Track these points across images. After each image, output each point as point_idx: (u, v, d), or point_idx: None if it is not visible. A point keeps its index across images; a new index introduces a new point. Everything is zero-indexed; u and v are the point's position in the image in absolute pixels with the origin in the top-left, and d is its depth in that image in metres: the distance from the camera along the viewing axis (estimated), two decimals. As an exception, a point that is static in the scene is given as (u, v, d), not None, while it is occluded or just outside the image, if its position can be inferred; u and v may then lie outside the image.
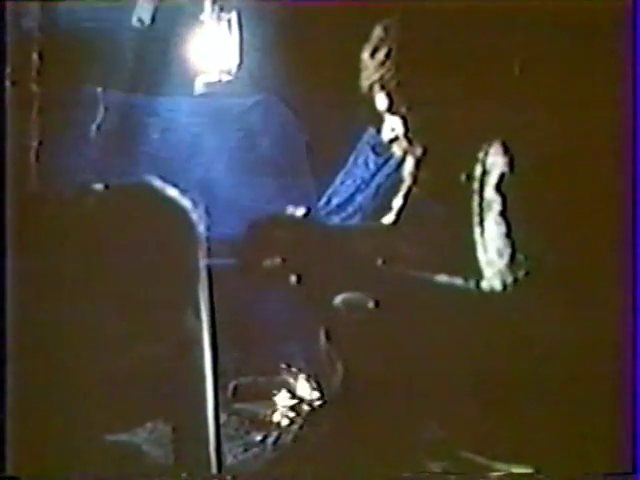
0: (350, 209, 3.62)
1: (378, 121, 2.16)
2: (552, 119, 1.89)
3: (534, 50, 1.97)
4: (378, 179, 3.56)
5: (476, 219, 1.93)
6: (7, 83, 2.17)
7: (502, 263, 1.87)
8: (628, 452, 1.85)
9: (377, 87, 2.06)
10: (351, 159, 3.65)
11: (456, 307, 1.92)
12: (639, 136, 1.90)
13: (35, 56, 2.66)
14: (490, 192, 1.89)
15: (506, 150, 1.89)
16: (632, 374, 1.85)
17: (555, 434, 1.85)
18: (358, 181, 3.64)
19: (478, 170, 1.93)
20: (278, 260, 1.96)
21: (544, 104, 1.91)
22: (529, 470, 1.90)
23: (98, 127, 3.12)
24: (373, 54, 2.05)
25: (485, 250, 1.90)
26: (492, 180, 1.90)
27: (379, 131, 2.18)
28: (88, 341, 2.16)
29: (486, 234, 1.90)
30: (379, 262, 2.00)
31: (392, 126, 2.08)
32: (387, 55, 2.02)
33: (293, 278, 2.00)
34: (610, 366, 1.83)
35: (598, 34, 1.94)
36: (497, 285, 1.89)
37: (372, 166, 3.62)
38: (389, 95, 2.05)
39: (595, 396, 1.82)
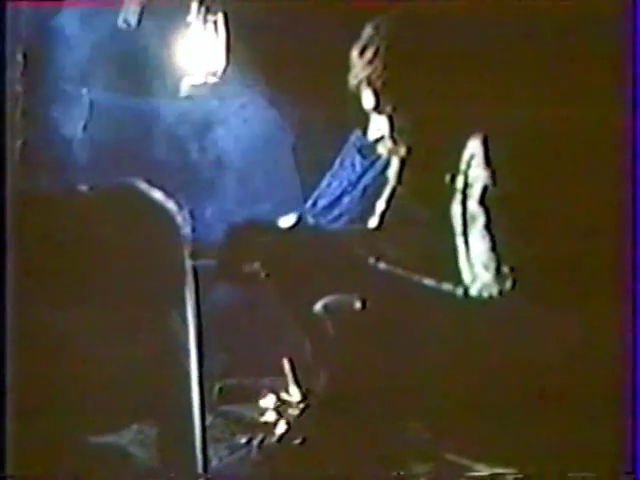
0: (336, 211, 3.63)
1: (364, 123, 2.16)
2: (540, 121, 1.89)
3: (523, 51, 1.97)
4: (364, 181, 3.56)
5: (459, 231, 1.93)
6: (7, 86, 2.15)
7: (488, 276, 1.87)
8: (628, 452, 1.85)
9: (364, 86, 2.06)
10: (337, 161, 3.66)
11: (443, 311, 1.92)
12: (638, 143, 1.90)
13: (20, 56, 2.65)
14: (473, 205, 1.90)
15: (488, 163, 1.89)
16: (631, 375, 1.86)
17: (553, 436, 1.85)
18: (345, 183, 3.65)
19: (460, 182, 1.93)
20: (257, 264, 1.96)
21: (533, 107, 1.91)
22: (527, 472, 1.90)
23: (83, 128, 3.12)
24: (362, 52, 2.05)
25: (470, 263, 1.91)
26: (475, 193, 1.90)
27: (365, 133, 2.18)
28: (73, 343, 2.15)
29: (471, 248, 1.91)
30: (364, 265, 1.99)
31: (378, 126, 2.09)
32: (375, 54, 2.03)
33: (277, 281, 1.99)
34: (607, 366, 1.83)
35: (595, 33, 1.94)
36: (483, 296, 1.89)
37: (358, 168, 3.63)
38: (376, 94, 2.05)
39: (593, 396, 1.82)
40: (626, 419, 1.84)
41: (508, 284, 1.84)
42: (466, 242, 1.92)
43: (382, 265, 1.96)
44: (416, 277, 1.93)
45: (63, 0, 2.90)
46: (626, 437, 1.84)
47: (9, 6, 2.26)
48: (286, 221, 2.03)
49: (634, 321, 1.85)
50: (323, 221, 3.54)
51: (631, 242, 1.87)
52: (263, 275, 1.97)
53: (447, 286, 1.91)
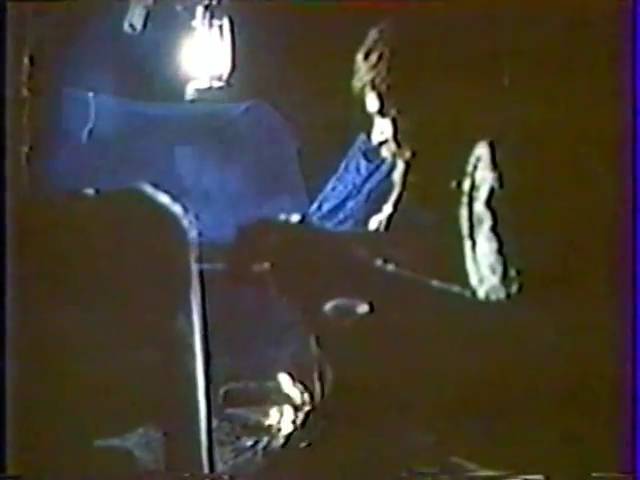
0: (341, 215, 3.63)
1: (369, 127, 2.16)
2: (544, 124, 1.90)
3: (526, 55, 1.97)
4: (369, 185, 3.56)
5: (466, 233, 1.93)
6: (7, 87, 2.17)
7: (495, 279, 1.88)
8: (628, 452, 1.86)
9: (368, 89, 2.07)
10: (342, 165, 3.65)
11: (449, 314, 1.93)
12: (637, 146, 1.90)
13: (26, 60, 2.66)
14: (480, 207, 1.90)
15: (495, 165, 1.90)
16: (631, 376, 1.86)
17: (558, 438, 1.86)
18: (349, 187, 3.64)
19: (467, 184, 1.94)
20: (267, 265, 1.97)
21: (536, 110, 1.91)
22: (532, 474, 1.91)
23: (89, 132, 3.12)
24: (366, 56, 2.06)
25: (477, 266, 1.91)
26: (482, 195, 1.90)
27: (370, 137, 2.19)
28: (79, 346, 2.16)
29: (478, 250, 1.91)
30: (372, 267, 2.00)
31: (381, 129, 2.09)
32: (379, 58, 2.03)
33: (284, 283, 2.00)
34: (611, 368, 1.84)
35: (600, 37, 1.95)
36: (491, 299, 1.89)
37: (363, 172, 3.62)
38: (380, 97, 2.06)
39: (596, 398, 1.83)
40: (627, 419, 1.84)
41: (515, 287, 1.85)
42: (473, 244, 1.92)
43: (390, 267, 1.96)
44: (424, 279, 1.93)
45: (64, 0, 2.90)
46: (626, 437, 1.84)
47: (15, 10, 2.26)
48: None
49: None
50: (328, 224, 3.53)
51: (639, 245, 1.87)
52: (267, 266, 1.97)
53: (455, 289, 1.91)
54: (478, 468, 1.95)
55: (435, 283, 1.93)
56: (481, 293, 1.89)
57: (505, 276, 1.86)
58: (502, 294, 1.86)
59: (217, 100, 3.26)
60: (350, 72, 2.11)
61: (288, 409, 2.54)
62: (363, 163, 3.59)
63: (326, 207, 3.64)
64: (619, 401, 1.85)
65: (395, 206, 2.10)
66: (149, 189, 2.18)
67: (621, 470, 1.87)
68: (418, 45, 2.01)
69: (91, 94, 3.23)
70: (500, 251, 1.87)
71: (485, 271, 1.89)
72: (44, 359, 2.12)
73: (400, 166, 2.09)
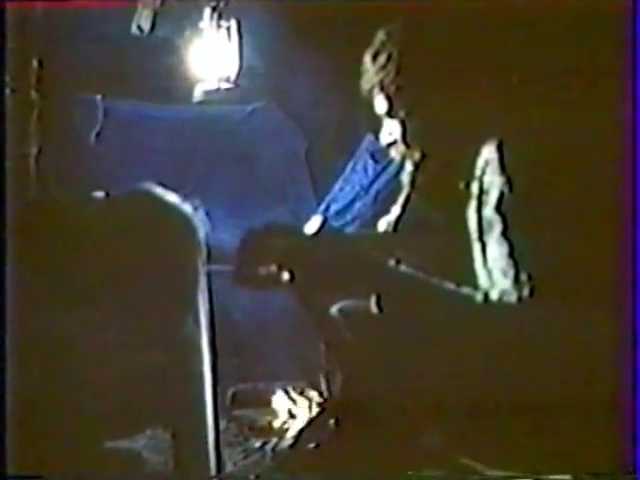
0: (349, 216, 3.63)
1: (377, 128, 2.16)
2: (554, 126, 1.90)
3: (534, 57, 1.97)
4: (377, 186, 3.56)
5: (476, 237, 1.93)
6: (7, 90, 2.17)
7: (507, 283, 1.87)
8: (628, 452, 1.86)
9: (377, 90, 2.06)
10: (350, 166, 3.66)
11: (459, 315, 1.93)
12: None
13: (35, 63, 2.67)
14: (490, 212, 1.90)
15: (503, 169, 1.89)
16: (632, 376, 1.86)
17: (553, 437, 1.86)
18: (357, 188, 3.64)
19: (476, 188, 1.93)
20: (275, 267, 1.97)
21: (545, 112, 1.91)
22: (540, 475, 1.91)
23: (97, 134, 3.13)
24: (374, 58, 2.06)
25: (488, 270, 1.91)
26: (491, 200, 1.90)
27: (378, 138, 2.19)
28: (88, 348, 2.16)
29: (489, 254, 1.91)
30: (380, 269, 2.00)
31: (390, 130, 2.09)
32: (388, 59, 2.03)
33: (291, 285, 2.00)
34: (619, 370, 1.84)
35: (604, 38, 1.95)
36: (502, 301, 1.89)
37: (371, 173, 3.62)
38: (388, 99, 2.06)
39: (598, 399, 1.83)
40: (631, 421, 1.84)
41: (526, 291, 1.84)
42: (483, 248, 1.92)
43: (400, 268, 1.96)
44: (433, 281, 1.93)
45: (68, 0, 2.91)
46: (629, 438, 1.84)
47: (20, 13, 2.27)
48: (310, 226, 2.05)
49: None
50: (336, 225, 3.54)
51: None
52: (275, 267, 1.97)
53: (465, 291, 1.91)
54: (488, 469, 1.94)
55: (445, 285, 1.92)
56: (493, 296, 1.89)
57: (517, 280, 1.86)
58: (513, 298, 1.86)
59: (225, 102, 3.26)
60: (358, 73, 2.11)
61: (296, 410, 2.55)
62: (370, 164, 3.60)
63: (334, 208, 3.64)
64: (626, 403, 1.85)
65: (404, 207, 2.10)
66: (158, 191, 2.19)
67: (621, 470, 1.87)
68: (427, 46, 2.01)
69: (99, 96, 3.24)
70: (511, 255, 1.86)
71: (497, 275, 1.88)
72: (51, 361, 2.12)
73: (409, 167, 2.09)
